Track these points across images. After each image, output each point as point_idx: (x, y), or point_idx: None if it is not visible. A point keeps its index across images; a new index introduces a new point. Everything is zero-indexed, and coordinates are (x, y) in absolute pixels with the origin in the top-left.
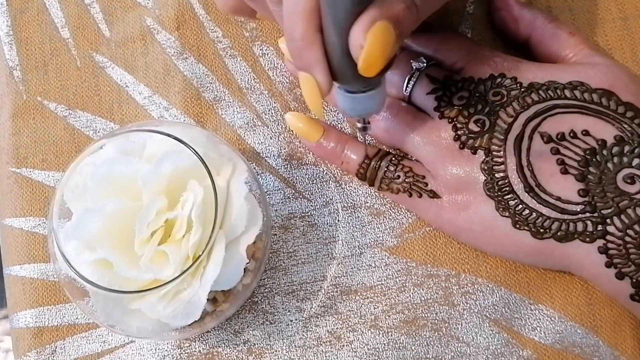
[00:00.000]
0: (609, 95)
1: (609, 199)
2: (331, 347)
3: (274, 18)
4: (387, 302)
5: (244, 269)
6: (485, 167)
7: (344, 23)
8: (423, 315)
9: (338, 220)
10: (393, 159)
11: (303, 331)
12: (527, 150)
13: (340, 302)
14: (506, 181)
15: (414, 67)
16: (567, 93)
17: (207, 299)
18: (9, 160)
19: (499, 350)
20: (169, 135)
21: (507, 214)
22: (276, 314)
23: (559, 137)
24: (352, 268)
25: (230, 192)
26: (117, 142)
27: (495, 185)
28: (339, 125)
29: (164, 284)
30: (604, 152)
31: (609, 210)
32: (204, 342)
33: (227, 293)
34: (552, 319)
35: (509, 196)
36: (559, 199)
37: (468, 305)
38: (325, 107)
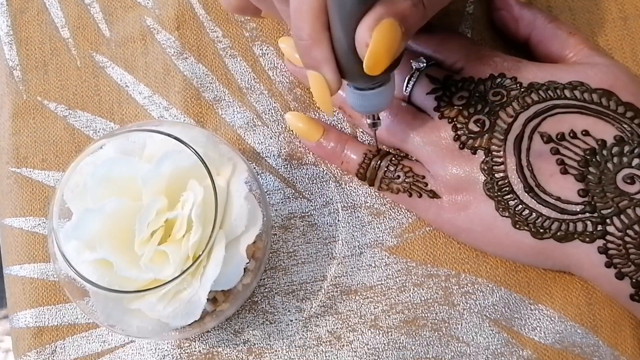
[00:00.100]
0: (608, 95)
1: (609, 199)
2: (331, 347)
3: (280, 17)
4: (387, 302)
5: (244, 268)
6: (485, 167)
7: (351, 21)
8: (423, 315)
9: (338, 220)
10: (393, 159)
11: (303, 331)
12: (527, 150)
13: (340, 302)
14: (506, 181)
15: (414, 67)
16: (567, 93)
17: (207, 299)
18: (9, 160)
19: (499, 350)
20: (169, 135)
21: (507, 214)
22: (276, 313)
23: (558, 137)
24: (352, 268)
25: (230, 192)
26: (117, 142)
27: (495, 185)
28: (339, 125)
29: (164, 284)
30: (604, 152)
31: (609, 211)
32: (204, 342)
33: (227, 293)
34: (552, 319)
35: (509, 196)
36: (558, 199)
37: (468, 305)
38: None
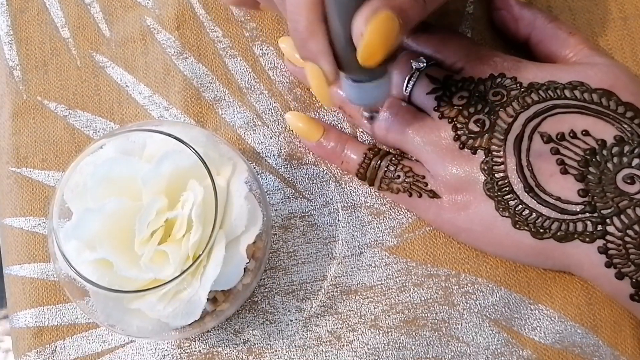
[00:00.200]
0: (608, 95)
1: (609, 199)
2: (331, 347)
3: (277, 9)
4: (387, 302)
5: (244, 268)
6: (485, 167)
7: (348, 12)
8: (423, 315)
9: (338, 220)
10: (393, 158)
11: (303, 331)
12: (527, 150)
13: (340, 302)
14: (506, 181)
15: (414, 67)
16: (567, 93)
17: (207, 299)
18: (9, 159)
19: (499, 350)
20: (169, 135)
21: (507, 214)
22: (276, 313)
23: (558, 137)
24: (352, 268)
25: (230, 192)
26: (117, 141)
27: (495, 185)
28: (339, 125)
29: (164, 284)
30: (604, 152)
31: (609, 211)
32: (204, 342)
33: (227, 293)
34: (552, 319)
35: (509, 196)
36: (558, 199)
37: (468, 305)
38: (325, 107)
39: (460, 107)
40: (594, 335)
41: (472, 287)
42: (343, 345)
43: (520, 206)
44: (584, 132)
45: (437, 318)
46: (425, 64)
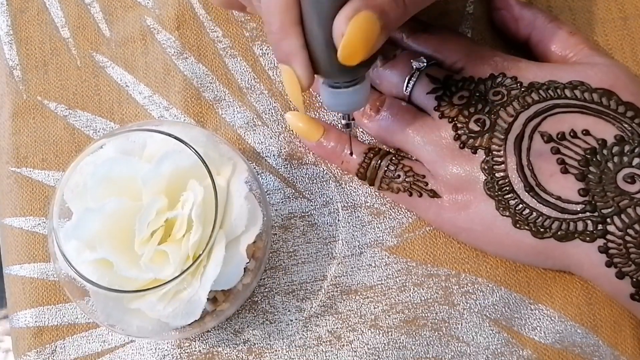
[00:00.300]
0: (609, 95)
1: (609, 198)
2: (331, 347)
3: (258, 12)
4: (387, 301)
5: (244, 268)
6: (486, 167)
7: (328, 13)
8: (423, 315)
9: (338, 220)
10: (393, 158)
11: (303, 331)
12: (528, 150)
13: (340, 302)
14: (506, 181)
15: (414, 67)
16: (568, 93)
17: (207, 299)
18: (9, 159)
19: (499, 350)
20: (169, 135)
21: (507, 213)
22: (276, 313)
23: (559, 136)
24: (352, 268)
25: (230, 192)
26: (117, 141)
27: (496, 184)
28: (339, 125)
29: (164, 284)
30: (604, 151)
31: (609, 210)
32: (204, 342)
33: (227, 293)
34: (552, 318)
35: (509, 196)
36: (559, 198)
37: (468, 305)
38: (325, 107)
39: (461, 107)
40: (594, 335)
41: (472, 287)
42: (343, 345)
43: (520, 205)
44: (584, 132)
45: (437, 318)
46: (425, 64)
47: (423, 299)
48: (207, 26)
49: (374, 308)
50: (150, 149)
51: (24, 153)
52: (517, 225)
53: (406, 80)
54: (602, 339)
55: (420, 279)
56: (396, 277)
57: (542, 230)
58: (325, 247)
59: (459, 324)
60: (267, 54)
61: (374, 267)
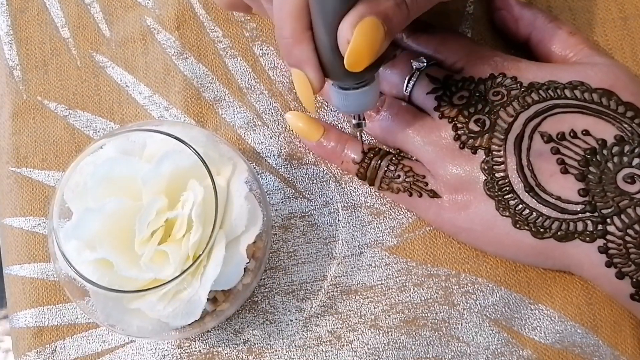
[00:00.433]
0: (609, 95)
1: (609, 198)
2: (331, 347)
3: (267, 15)
4: (387, 301)
5: (244, 268)
6: (486, 167)
7: (333, 19)
8: (423, 315)
9: (338, 220)
10: (393, 158)
11: (303, 331)
12: (527, 150)
13: (340, 302)
14: (506, 181)
15: (414, 67)
16: (567, 93)
17: (207, 299)
18: (9, 159)
19: (499, 350)
20: (169, 135)
21: (507, 213)
22: (276, 313)
23: (559, 136)
24: (352, 268)
25: (230, 192)
26: (117, 141)
27: (496, 184)
28: (339, 125)
29: (164, 284)
30: (604, 151)
31: (609, 210)
32: (204, 342)
33: (227, 293)
34: (552, 318)
35: (509, 196)
36: (559, 198)
37: (468, 305)
38: (325, 107)
39: (461, 107)
40: (594, 335)
41: (472, 287)
42: (343, 345)
43: (520, 206)
44: (584, 132)
45: (437, 318)
46: (425, 64)
47: (423, 299)
48: (207, 26)
49: (374, 308)
50: (150, 149)
51: (24, 153)
52: (517, 226)
53: (406, 80)
54: (602, 339)
55: (420, 279)
56: (396, 277)
57: (542, 230)
58: (325, 247)
59: (459, 324)
60: (267, 54)
61: (374, 267)
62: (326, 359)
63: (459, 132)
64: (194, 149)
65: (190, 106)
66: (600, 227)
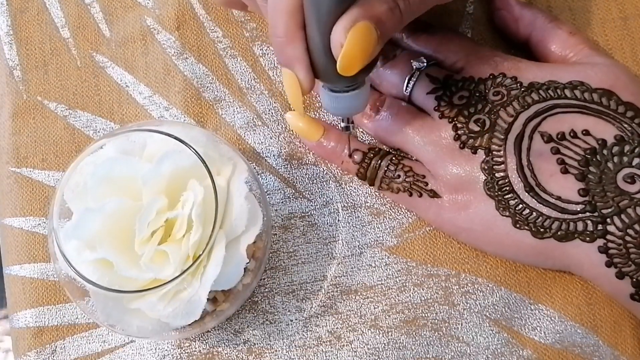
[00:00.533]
0: (609, 95)
1: (609, 198)
2: (331, 347)
3: (261, 12)
4: (387, 301)
5: (244, 268)
6: (486, 167)
7: (327, 22)
8: (423, 315)
9: (338, 220)
10: (393, 158)
11: (303, 331)
12: (527, 150)
13: (340, 302)
14: (506, 181)
15: (414, 67)
16: (568, 93)
17: (207, 299)
18: (9, 159)
19: (499, 350)
20: (169, 135)
21: (507, 213)
22: (276, 313)
23: (559, 136)
24: (352, 268)
25: (230, 192)
26: (117, 141)
27: (496, 184)
28: (339, 126)
29: (164, 284)
30: (604, 151)
31: (609, 210)
32: (204, 342)
33: (227, 293)
34: (552, 318)
35: (509, 196)
36: (559, 198)
37: (468, 305)
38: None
39: (461, 107)
40: (594, 335)
41: (472, 287)
42: (343, 345)
43: (520, 206)
44: (584, 132)
45: (437, 318)
46: (425, 64)
47: (423, 299)
48: (207, 26)
49: (374, 308)
50: (150, 149)
51: (24, 153)
52: (517, 226)
53: (406, 80)
54: (602, 339)
55: (420, 279)
56: (396, 277)
57: (542, 230)
58: (325, 247)
59: (459, 324)
60: (267, 54)
61: (374, 267)
62: (326, 359)
63: (459, 132)
64: (194, 149)
65: (190, 106)
66: (600, 227)
